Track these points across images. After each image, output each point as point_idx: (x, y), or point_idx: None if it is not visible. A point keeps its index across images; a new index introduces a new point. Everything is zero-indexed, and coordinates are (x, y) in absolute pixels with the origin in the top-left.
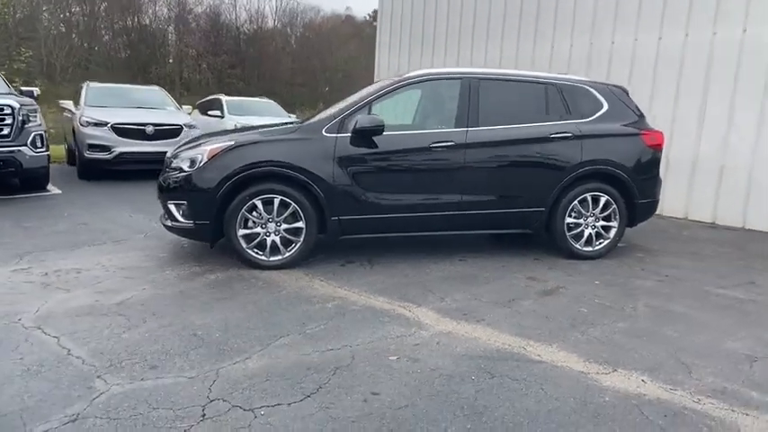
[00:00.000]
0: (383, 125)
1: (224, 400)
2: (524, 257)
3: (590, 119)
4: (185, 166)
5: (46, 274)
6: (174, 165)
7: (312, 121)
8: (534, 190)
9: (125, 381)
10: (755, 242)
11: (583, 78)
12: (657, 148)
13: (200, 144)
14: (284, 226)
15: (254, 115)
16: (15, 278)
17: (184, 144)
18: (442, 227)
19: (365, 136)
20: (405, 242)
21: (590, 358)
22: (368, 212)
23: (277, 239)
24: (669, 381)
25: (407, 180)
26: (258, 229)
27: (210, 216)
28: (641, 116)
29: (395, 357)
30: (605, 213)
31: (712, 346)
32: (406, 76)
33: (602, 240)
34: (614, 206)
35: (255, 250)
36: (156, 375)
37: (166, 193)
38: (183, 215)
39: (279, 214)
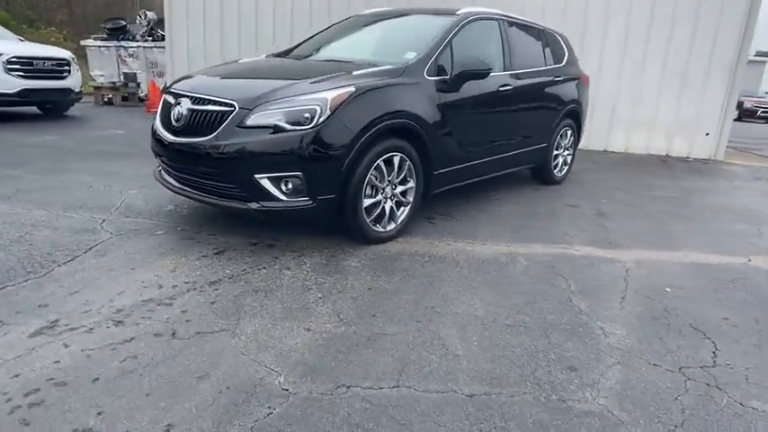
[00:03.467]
0: (489, 68)
1: None
2: (523, 189)
3: (562, 64)
4: (291, 123)
5: None
6: (254, 121)
7: (412, 62)
8: (544, 128)
9: None
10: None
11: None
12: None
13: (302, 91)
14: (399, 188)
15: None
16: None
17: (249, 92)
18: (498, 169)
19: (463, 80)
20: (444, 195)
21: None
22: (458, 162)
23: (392, 206)
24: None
25: (483, 125)
26: (379, 196)
27: (337, 187)
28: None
29: (669, 289)
30: (570, 142)
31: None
32: (459, 12)
33: (564, 167)
34: (574, 135)
35: (373, 222)
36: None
37: (251, 163)
38: (291, 191)
39: (390, 174)
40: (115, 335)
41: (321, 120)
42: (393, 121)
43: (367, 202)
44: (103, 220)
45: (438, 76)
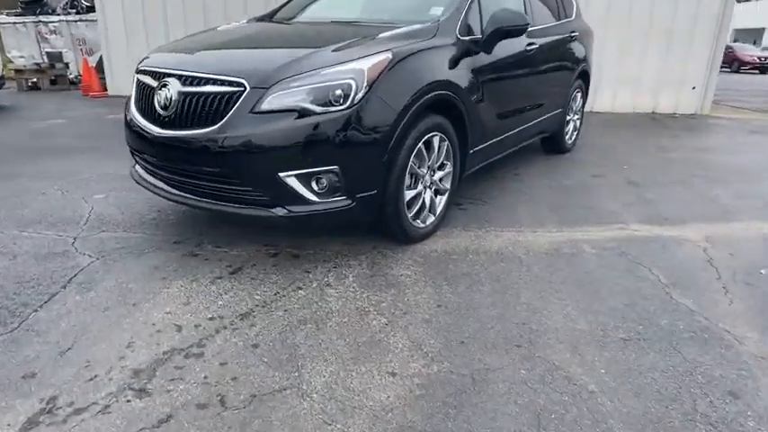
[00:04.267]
0: (527, 23)
1: None
2: (534, 160)
3: (573, 17)
4: (320, 103)
5: None
6: (272, 104)
7: (443, 18)
8: (560, 91)
9: None
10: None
11: None
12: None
13: (328, 62)
14: (438, 174)
15: None
16: None
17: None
18: (522, 140)
19: (498, 38)
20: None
21: None
22: (492, 136)
23: (431, 195)
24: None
25: (513, 91)
26: (419, 186)
27: (379, 180)
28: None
29: (763, 271)
30: (579, 105)
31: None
32: None
33: (574, 133)
34: (583, 98)
35: (414, 217)
36: None
37: (273, 159)
38: (325, 190)
39: (430, 158)
40: (143, 413)
41: (358, 97)
42: (435, 93)
43: (409, 194)
44: (75, 239)
45: (468, 35)
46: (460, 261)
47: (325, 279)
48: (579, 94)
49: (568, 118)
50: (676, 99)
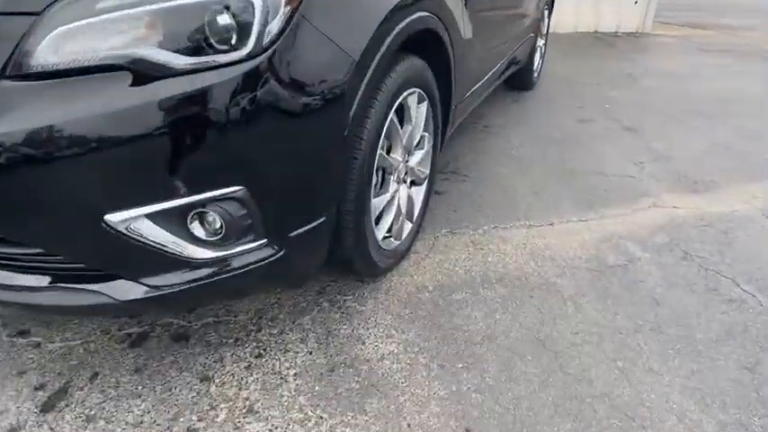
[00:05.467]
0: None
1: None
2: (502, 102)
3: None
4: (184, 49)
5: None
6: (61, 53)
7: None
8: (534, 10)
9: None
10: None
11: None
12: None
13: None
14: (415, 157)
15: None
16: None
17: None
18: (496, 79)
19: None
20: None
21: None
22: (475, 81)
23: (408, 193)
24: None
25: (498, 16)
26: (391, 187)
27: (332, 196)
28: None
29: None
30: (546, 26)
31: None
32: None
33: (539, 63)
34: (549, 17)
35: (385, 237)
36: None
37: (96, 184)
38: (222, 235)
39: (406, 133)
40: None
41: (271, 31)
42: (417, 18)
43: (378, 203)
44: None
45: None
46: (468, 306)
47: (244, 396)
48: (547, 12)
49: (539, 44)
50: (619, 16)
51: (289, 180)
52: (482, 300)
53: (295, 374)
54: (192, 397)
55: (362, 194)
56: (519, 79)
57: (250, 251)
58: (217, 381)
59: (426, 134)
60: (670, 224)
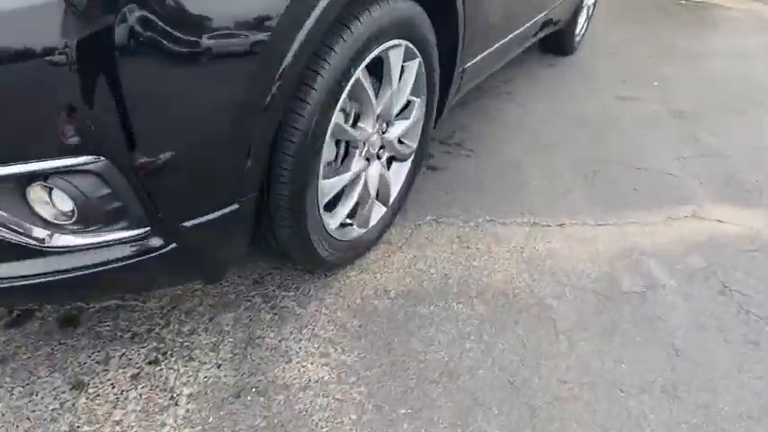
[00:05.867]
0: None
1: None
2: (534, 67)
3: None
4: None
5: None
6: None
7: None
8: None
9: None
10: None
11: None
12: None
13: None
14: (397, 127)
15: None
16: None
17: None
18: (528, 38)
19: None
20: None
21: None
22: (497, 37)
23: (382, 171)
24: None
25: None
26: (358, 163)
27: (249, 174)
28: None
29: None
30: None
31: None
32: None
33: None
34: None
35: (340, 226)
36: None
37: None
38: (79, 217)
39: (382, 96)
40: None
41: None
42: None
43: (330, 186)
44: None
45: None
46: (434, 326)
47: (115, 419)
48: None
49: (587, 2)
50: None
51: (178, 155)
52: (453, 318)
53: (190, 395)
54: (53, 410)
55: (304, 173)
56: (557, 42)
57: (127, 241)
58: (91, 391)
59: (416, 100)
60: (709, 243)
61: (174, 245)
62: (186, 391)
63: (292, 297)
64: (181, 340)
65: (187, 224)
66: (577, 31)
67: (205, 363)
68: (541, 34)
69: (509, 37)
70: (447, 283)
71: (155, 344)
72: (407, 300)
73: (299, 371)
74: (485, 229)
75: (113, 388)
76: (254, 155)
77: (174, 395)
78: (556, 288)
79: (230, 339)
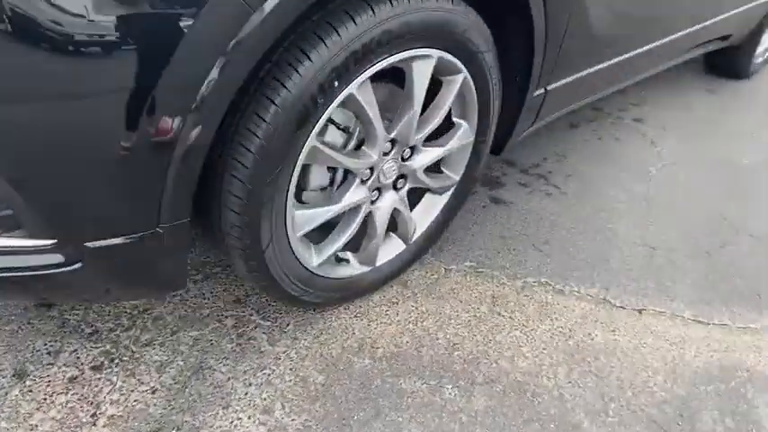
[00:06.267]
0: None
1: None
2: (685, 90)
3: None
4: None
5: None
6: None
7: None
8: None
9: None
10: None
11: None
12: None
13: None
14: (421, 156)
15: None
16: None
17: None
18: (674, 56)
19: None
20: None
21: None
22: (601, 56)
23: (391, 203)
24: None
25: None
26: (354, 194)
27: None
28: None
29: None
30: None
31: None
32: None
33: None
34: None
35: (336, 259)
36: None
37: None
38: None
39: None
40: None
41: None
42: None
43: (316, 215)
44: None
45: None
46: (409, 411)
47: (29, 425)
48: None
49: None
50: None
51: (65, 165)
52: (438, 407)
53: (111, 418)
54: None
55: (258, 202)
56: (727, 61)
57: (30, 251)
58: (28, 383)
59: (462, 123)
60: None
61: (79, 263)
62: (110, 411)
63: (266, 328)
64: (134, 349)
65: (90, 245)
66: (758, 51)
67: (143, 383)
68: (698, 51)
69: (633, 53)
70: (451, 355)
71: (108, 347)
72: (392, 366)
73: (230, 422)
74: (532, 294)
75: (48, 386)
76: (177, 178)
77: (97, 413)
78: (597, 401)
79: (180, 362)
